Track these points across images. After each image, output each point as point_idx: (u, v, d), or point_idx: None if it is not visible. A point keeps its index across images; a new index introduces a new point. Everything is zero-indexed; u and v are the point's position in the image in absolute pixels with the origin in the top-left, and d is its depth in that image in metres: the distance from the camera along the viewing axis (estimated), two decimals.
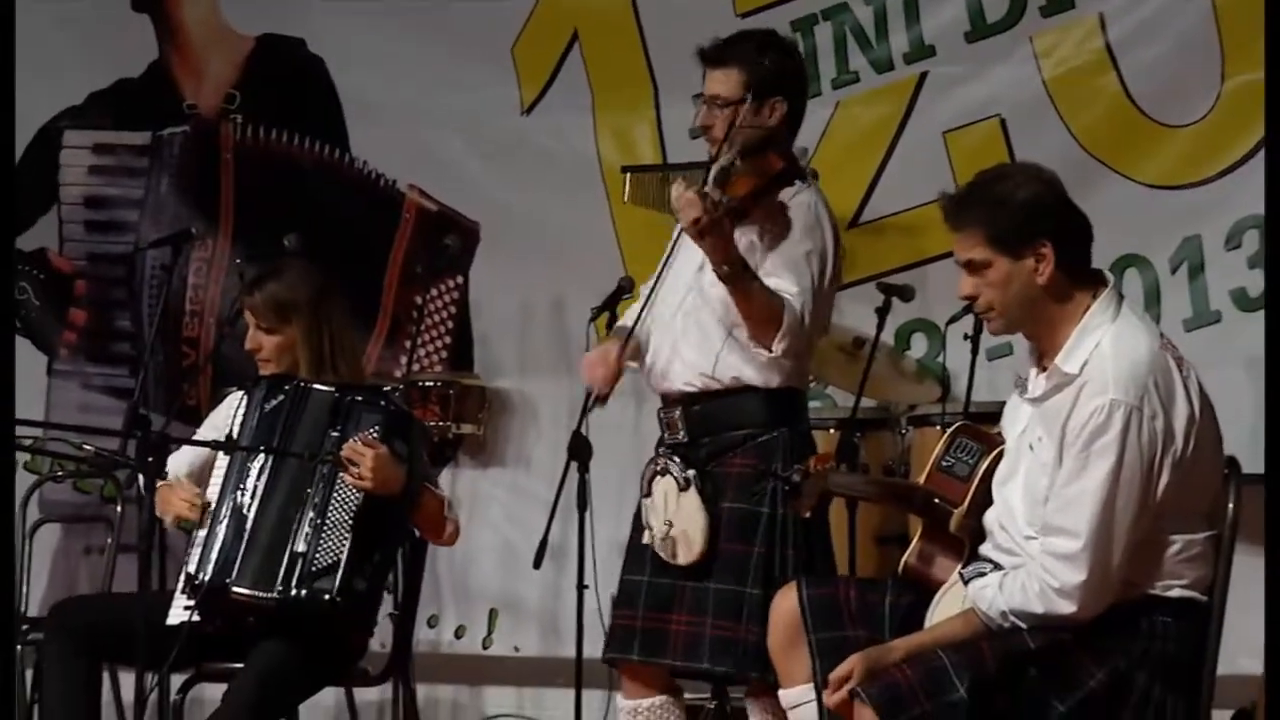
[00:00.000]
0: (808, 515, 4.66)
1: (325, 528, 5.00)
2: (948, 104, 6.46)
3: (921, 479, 4.44)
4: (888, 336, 6.09)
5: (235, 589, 4.97)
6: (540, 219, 6.77)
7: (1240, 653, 5.21)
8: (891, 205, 6.50)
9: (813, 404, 5.66)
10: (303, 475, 5.05)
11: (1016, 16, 6.38)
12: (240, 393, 5.26)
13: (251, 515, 5.03)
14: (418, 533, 5.37)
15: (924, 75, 6.49)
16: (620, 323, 5.29)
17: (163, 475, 5.03)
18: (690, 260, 5.02)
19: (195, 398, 7.01)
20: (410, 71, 6.95)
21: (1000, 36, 6.41)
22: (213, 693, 5.13)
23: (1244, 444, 4.46)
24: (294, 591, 4.96)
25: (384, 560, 5.22)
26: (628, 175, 6.36)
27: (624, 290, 5.43)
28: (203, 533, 5.07)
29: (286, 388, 5.14)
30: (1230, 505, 4.21)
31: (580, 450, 5.31)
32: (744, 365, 4.96)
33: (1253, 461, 4.39)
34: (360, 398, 5.13)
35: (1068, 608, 4.04)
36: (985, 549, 4.27)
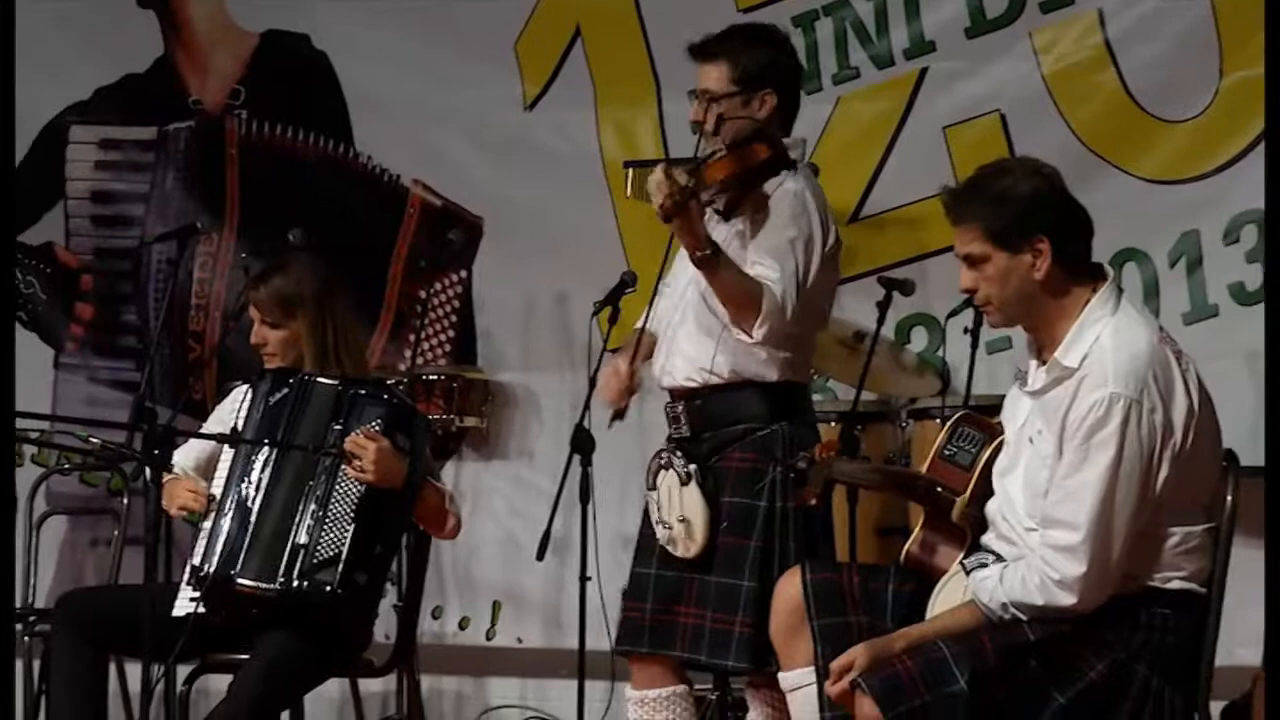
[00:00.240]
0: (813, 504, 4.66)
1: (327, 520, 5.00)
2: (948, 99, 6.46)
3: (924, 468, 4.43)
4: (888, 330, 6.09)
5: (240, 581, 4.98)
6: (543, 214, 6.76)
7: (1238, 644, 5.26)
8: (892, 200, 6.50)
9: (814, 397, 5.68)
10: (306, 468, 5.06)
11: (1016, 12, 6.37)
12: (245, 386, 5.26)
13: (256, 508, 5.03)
14: (420, 526, 5.38)
15: (924, 71, 6.49)
16: (635, 325, 5.29)
17: (169, 468, 5.04)
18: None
19: (201, 391, 7.03)
20: (414, 68, 6.95)
21: (1000, 32, 6.40)
22: (218, 684, 5.13)
23: (1242, 437, 4.48)
24: (295, 583, 4.96)
25: (385, 553, 5.21)
26: (630, 170, 6.35)
27: (626, 285, 5.44)
28: (208, 525, 5.07)
29: (291, 381, 5.14)
30: (1228, 498, 4.22)
31: (583, 443, 5.34)
32: (742, 359, 4.95)
33: (1251, 454, 4.41)
34: (363, 391, 5.13)
35: (1067, 599, 4.04)
36: (987, 539, 4.28)
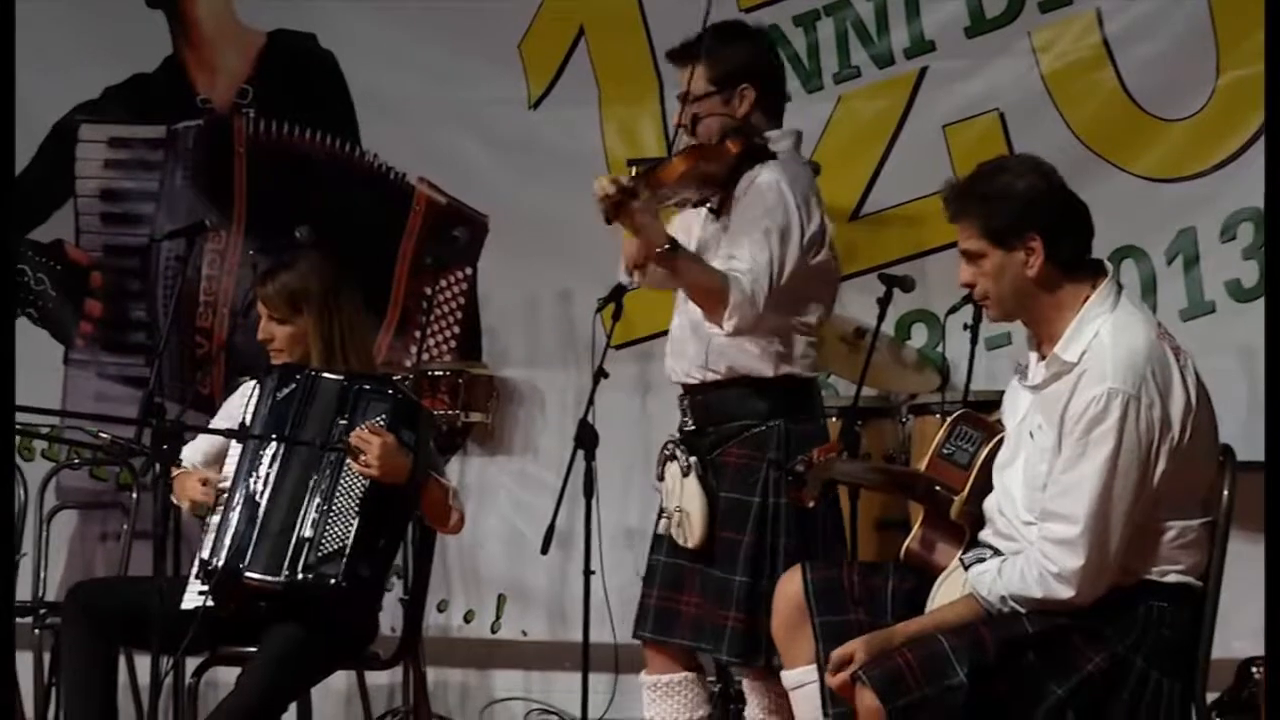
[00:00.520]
0: (811, 505, 4.65)
1: (331, 514, 5.01)
2: (947, 98, 6.48)
3: (922, 466, 4.44)
4: (888, 327, 6.09)
5: (248, 574, 4.99)
6: (547, 212, 6.74)
7: (1234, 637, 5.29)
8: (892, 198, 6.51)
9: None
10: (312, 462, 5.06)
11: (1015, 12, 6.40)
12: (253, 382, 5.27)
13: (264, 502, 5.04)
14: (425, 520, 5.38)
15: (924, 70, 6.51)
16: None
17: (178, 463, 5.07)
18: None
19: (209, 387, 7.03)
20: (420, 67, 6.95)
21: (999, 32, 6.43)
22: (227, 676, 5.16)
23: (1239, 432, 4.52)
24: (300, 576, 4.97)
25: (389, 546, 5.22)
26: (633, 169, 6.39)
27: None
28: (216, 519, 5.08)
29: (298, 377, 5.15)
30: (1225, 492, 4.23)
31: (587, 438, 5.36)
32: (735, 355, 4.96)
33: (1247, 449, 4.42)
34: (368, 386, 5.14)
35: (1066, 592, 4.06)
36: (985, 535, 4.29)
